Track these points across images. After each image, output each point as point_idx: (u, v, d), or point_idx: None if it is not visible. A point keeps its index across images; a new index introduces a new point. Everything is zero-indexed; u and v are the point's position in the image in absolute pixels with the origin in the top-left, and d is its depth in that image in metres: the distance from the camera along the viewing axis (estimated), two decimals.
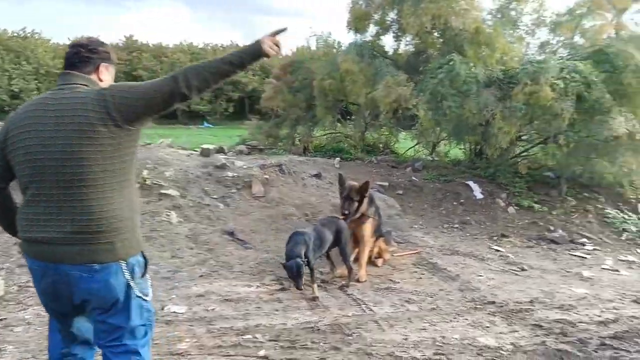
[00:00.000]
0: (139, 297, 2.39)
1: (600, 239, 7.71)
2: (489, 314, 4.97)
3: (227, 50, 37.60)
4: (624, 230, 7.91)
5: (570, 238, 7.59)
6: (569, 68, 8.13)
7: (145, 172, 7.26)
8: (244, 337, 4.31)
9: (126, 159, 2.31)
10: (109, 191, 2.24)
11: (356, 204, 5.82)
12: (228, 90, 34.50)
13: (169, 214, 6.81)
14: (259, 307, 4.95)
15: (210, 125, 30.67)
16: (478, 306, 5.15)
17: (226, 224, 6.94)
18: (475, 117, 8.13)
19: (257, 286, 5.49)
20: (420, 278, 5.88)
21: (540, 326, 4.68)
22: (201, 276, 5.64)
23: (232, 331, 4.42)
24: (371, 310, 4.97)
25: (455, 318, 4.84)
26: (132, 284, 2.34)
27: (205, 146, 8.38)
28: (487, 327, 4.68)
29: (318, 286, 5.55)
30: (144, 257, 2.47)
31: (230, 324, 4.56)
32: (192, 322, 4.60)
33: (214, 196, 7.36)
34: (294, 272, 5.03)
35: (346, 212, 5.80)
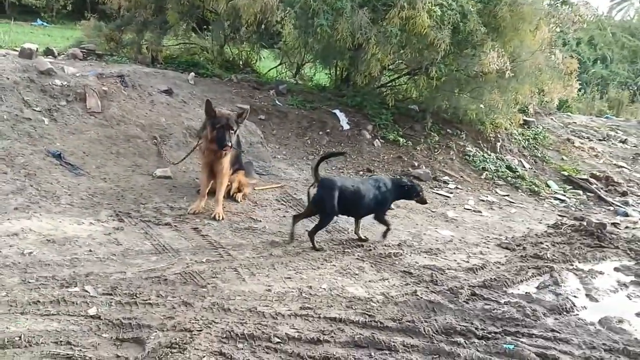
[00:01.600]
0: None
1: (462, 177, 7.74)
2: (357, 259, 4.59)
3: None
4: (484, 169, 8.03)
5: (434, 175, 7.51)
6: None
7: None
8: (69, 289, 3.48)
9: None
10: None
11: (234, 135, 5.02)
12: None
13: None
14: (90, 251, 4.05)
15: (45, 24, 26.70)
16: (346, 250, 4.74)
17: (52, 143, 5.69)
18: (347, 39, 7.48)
19: (90, 223, 4.53)
20: (285, 216, 5.31)
21: (410, 273, 4.41)
22: (16, 209, 4.52)
23: (55, 282, 3.56)
24: (229, 255, 4.32)
25: (322, 264, 4.39)
26: None
27: (27, 46, 6.75)
28: (356, 274, 4.30)
29: (166, 224, 4.73)
30: None
31: (53, 273, 3.67)
32: (1, 269, 3.58)
33: (37, 108, 5.97)
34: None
35: (228, 143, 4.94)
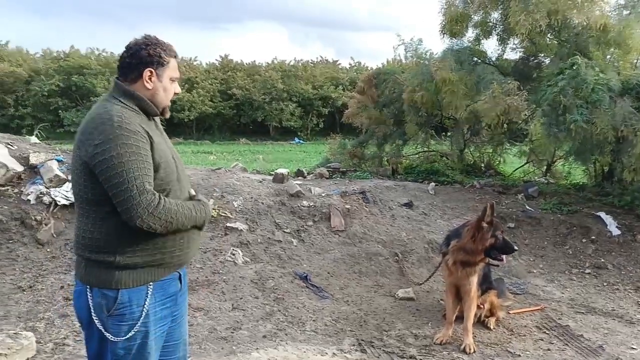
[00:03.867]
0: (100, 329, 2.24)
1: None
2: None
3: (317, 66, 37.46)
4: None
5: None
6: None
7: (210, 202, 6.33)
8: None
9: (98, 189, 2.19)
10: (86, 214, 2.24)
11: None
12: (318, 106, 34.19)
13: (234, 252, 5.81)
14: None
15: (302, 141, 30.53)
16: None
17: (299, 264, 5.84)
18: (608, 133, 6.49)
19: (333, 354, 4.30)
20: (549, 350, 4.42)
21: None
22: (265, 336, 4.55)
23: None
24: None
25: None
26: (92, 311, 2.25)
27: (279, 171, 7.35)
28: None
29: (411, 357, 4.29)
30: (117, 297, 2.23)
31: None
32: None
33: (287, 230, 6.28)
34: None
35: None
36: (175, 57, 2.39)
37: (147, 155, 2.15)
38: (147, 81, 2.28)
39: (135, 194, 2.08)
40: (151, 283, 2.30)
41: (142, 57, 2.27)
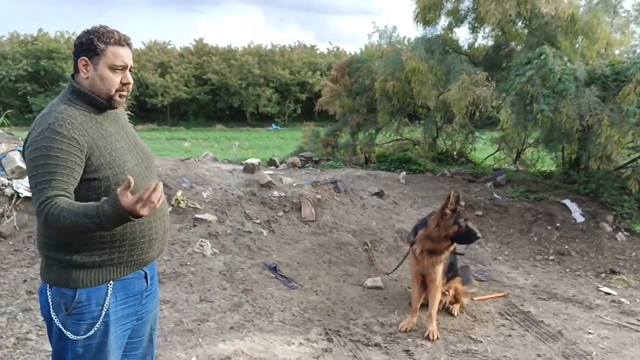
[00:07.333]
0: (60, 327, 2.24)
1: None
2: None
3: (295, 51, 37.20)
4: None
5: None
6: None
7: (179, 193, 6.31)
8: None
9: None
10: None
11: None
12: (296, 92, 33.96)
13: (203, 243, 5.80)
14: None
15: (279, 127, 30.34)
16: None
17: (269, 255, 5.86)
18: (574, 122, 6.62)
19: (300, 343, 4.36)
20: (510, 336, 4.53)
21: None
22: (232, 328, 4.57)
23: None
24: None
25: None
26: (51, 309, 2.25)
27: (250, 161, 7.33)
28: None
29: (376, 345, 4.37)
30: (75, 296, 2.24)
31: None
32: None
33: (257, 221, 6.29)
34: None
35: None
36: (118, 44, 2.27)
37: (65, 159, 2.10)
38: (82, 71, 2.26)
39: (34, 199, 2.08)
40: (111, 282, 2.29)
41: (76, 46, 2.26)
